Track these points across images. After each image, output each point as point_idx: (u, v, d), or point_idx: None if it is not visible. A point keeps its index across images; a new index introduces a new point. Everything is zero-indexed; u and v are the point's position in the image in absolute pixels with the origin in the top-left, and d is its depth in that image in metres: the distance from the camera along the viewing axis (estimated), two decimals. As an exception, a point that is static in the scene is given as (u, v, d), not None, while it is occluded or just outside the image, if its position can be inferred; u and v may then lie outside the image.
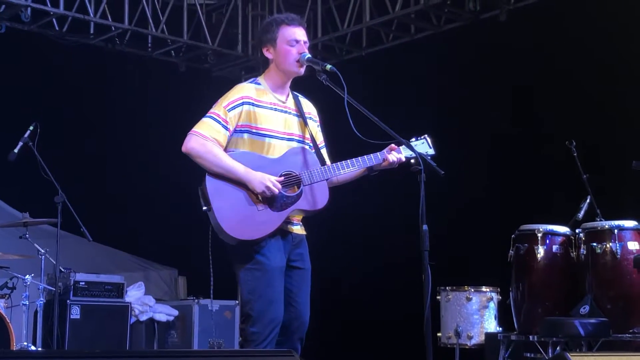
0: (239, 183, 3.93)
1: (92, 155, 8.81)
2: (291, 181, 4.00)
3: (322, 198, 4.04)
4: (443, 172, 3.85)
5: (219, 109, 4.02)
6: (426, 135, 4.19)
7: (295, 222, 4.10)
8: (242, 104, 4.03)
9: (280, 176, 3.97)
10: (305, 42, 4.11)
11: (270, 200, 3.93)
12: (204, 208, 3.92)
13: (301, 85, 4.31)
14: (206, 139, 3.95)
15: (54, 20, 8.29)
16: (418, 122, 4.29)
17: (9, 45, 7.93)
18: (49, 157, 6.48)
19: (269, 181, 3.91)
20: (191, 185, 4.03)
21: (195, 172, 4.01)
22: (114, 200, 8.87)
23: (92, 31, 8.54)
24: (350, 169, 4.07)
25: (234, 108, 4.01)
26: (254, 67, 9.42)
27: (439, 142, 4.19)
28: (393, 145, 4.09)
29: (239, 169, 3.93)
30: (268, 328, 3.91)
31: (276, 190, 3.92)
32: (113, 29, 8.57)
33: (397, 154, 4.08)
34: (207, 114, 4.02)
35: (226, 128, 3.98)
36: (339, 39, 8.95)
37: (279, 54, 4.09)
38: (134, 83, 8.83)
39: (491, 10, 7.91)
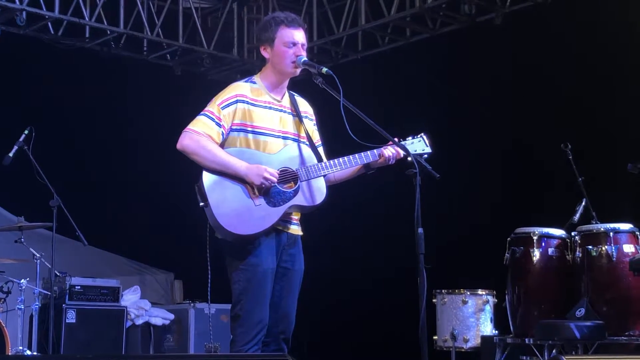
0: (236, 178, 3.91)
1: (88, 159, 8.80)
2: (288, 177, 3.98)
3: (319, 194, 4.02)
4: (439, 176, 3.85)
5: (212, 106, 4.02)
6: (423, 134, 4.15)
7: (293, 221, 4.08)
8: (236, 101, 4.02)
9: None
10: (303, 45, 4.09)
11: (267, 195, 3.92)
12: (201, 204, 3.91)
13: (297, 88, 4.31)
14: (199, 135, 3.94)
15: (49, 24, 8.28)
16: (413, 125, 4.26)
17: (4, 49, 7.91)
18: (44, 161, 6.47)
19: (266, 172, 3.89)
20: (188, 189, 4.03)
21: (191, 174, 4.01)
22: (110, 204, 8.85)
23: (87, 35, 8.53)
24: (346, 165, 4.06)
25: (227, 106, 4.01)
26: (249, 71, 9.38)
27: (433, 145, 4.17)
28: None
29: (234, 162, 3.92)
30: (255, 329, 3.91)
31: (274, 179, 3.90)
32: (108, 32, 8.56)
33: (392, 149, 4.07)
34: (201, 112, 4.02)
35: (219, 125, 3.97)
36: (334, 42, 8.96)
37: (276, 54, 4.08)
38: (130, 87, 8.81)
39: (487, 14, 7.92)
